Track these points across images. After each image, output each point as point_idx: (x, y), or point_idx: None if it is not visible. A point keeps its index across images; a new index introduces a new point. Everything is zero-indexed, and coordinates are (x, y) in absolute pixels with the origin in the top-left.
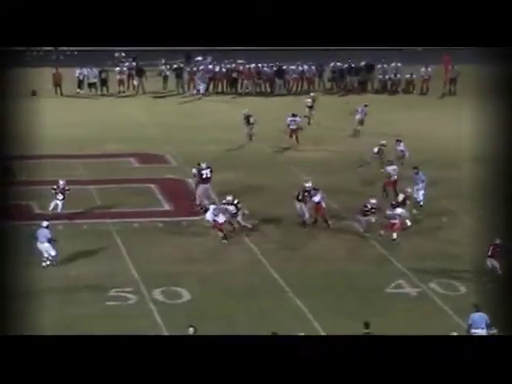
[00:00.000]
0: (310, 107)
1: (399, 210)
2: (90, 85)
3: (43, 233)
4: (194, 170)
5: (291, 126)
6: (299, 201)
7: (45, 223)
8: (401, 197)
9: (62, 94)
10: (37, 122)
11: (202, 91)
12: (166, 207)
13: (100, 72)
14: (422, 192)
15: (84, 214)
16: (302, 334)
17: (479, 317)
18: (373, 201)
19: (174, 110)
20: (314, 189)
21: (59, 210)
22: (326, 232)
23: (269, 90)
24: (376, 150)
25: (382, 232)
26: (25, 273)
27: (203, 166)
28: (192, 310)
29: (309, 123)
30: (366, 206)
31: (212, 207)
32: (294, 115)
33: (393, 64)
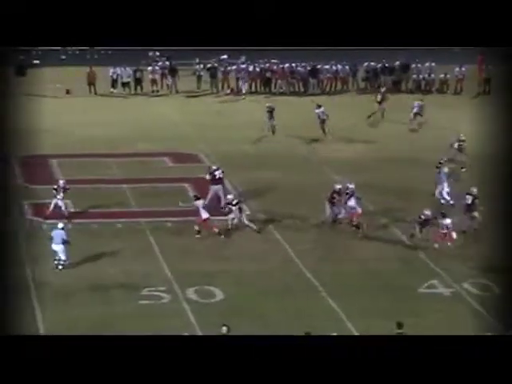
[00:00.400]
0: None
1: (447, 221)
2: (124, 84)
3: (59, 234)
4: (208, 177)
5: (321, 117)
6: (330, 203)
7: (60, 224)
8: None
9: (95, 93)
10: (70, 120)
11: (244, 91)
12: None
13: (134, 71)
14: (445, 191)
15: (118, 213)
16: (335, 334)
17: None
18: (427, 212)
19: (208, 110)
20: (347, 192)
21: (63, 209)
22: (356, 230)
23: (302, 89)
24: (456, 145)
25: (435, 245)
26: (60, 271)
27: (214, 167)
28: (225, 310)
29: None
30: (420, 218)
31: (201, 202)
32: (319, 106)
33: (427, 64)
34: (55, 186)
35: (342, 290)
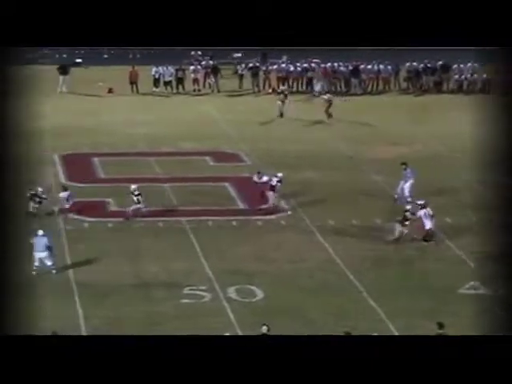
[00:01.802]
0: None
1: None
2: (166, 83)
3: (41, 241)
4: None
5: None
6: (401, 224)
7: (40, 232)
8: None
9: (137, 92)
10: (113, 119)
11: (318, 89)
12: (241, 206)
13: (176, 70)
14: (400, 187)
15: (159, 211)
16: (376, 334)
17: None
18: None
19: (249, 109)
20: (417, 203)
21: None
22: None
23: (344, 89)
24: None
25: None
26: (102, 268)
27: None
28: (266, 309)
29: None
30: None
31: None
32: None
33: (469, 64)
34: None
35: (383, 290)
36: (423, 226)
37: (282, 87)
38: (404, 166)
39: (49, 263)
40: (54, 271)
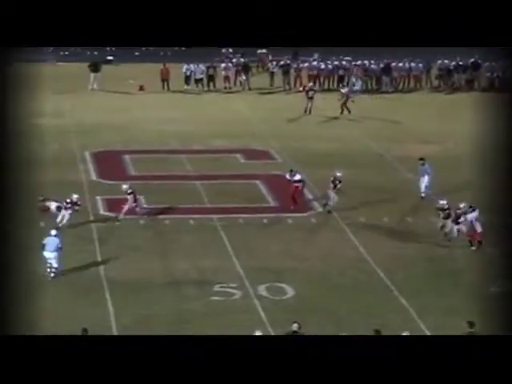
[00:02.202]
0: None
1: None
2: (197, 81)
3: (52, 241)
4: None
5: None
6: (455, 223)
7: (53, 232)
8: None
9: (168, 90)
10: (144, 116)
11: (358, 88)
12: (272, 203)
13: (207, 68)
14: (424, 184)
15: (191, 209)
16: (407, 333)
17: None
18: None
19: (280, 107)
20: (470, 206)
21: (65, 222)
22: (429, 230)
23: (376, 87)
24: None
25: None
26: (132, 266)
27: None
28: (296, 307)
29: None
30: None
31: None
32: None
33: (500, 61)
34: (68, 200)
35: (414, 288)
36: (473, 228)
37: (309, 84)
38: (422, 162)
39: (55, 265)
40: (52, 274)
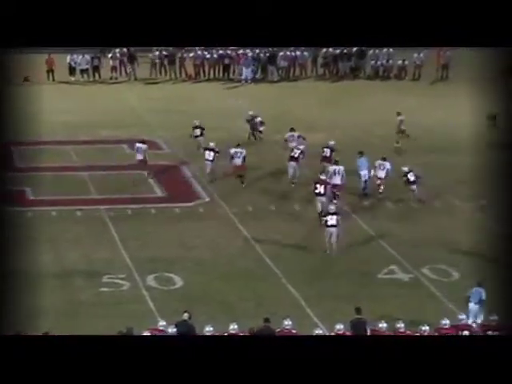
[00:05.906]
0: None
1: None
2: (82, 71)
3: None
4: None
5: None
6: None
7: None
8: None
9: (53, 80)
10: (30, 108)
11: (248, 77)
12: (159, 193)
13: (92, 58)
14: (364, 179)
15: (78, 200)
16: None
17: (475, 291)
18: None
19: (167, 96)
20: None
21: None
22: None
23: (261, 76)
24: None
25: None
26: (22, 258)
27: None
28: (186, 296)
29: None
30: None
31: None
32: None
33: (385, 50)
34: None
35: (301, 276)
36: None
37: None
38: (360, 155)
39: None
40: None
